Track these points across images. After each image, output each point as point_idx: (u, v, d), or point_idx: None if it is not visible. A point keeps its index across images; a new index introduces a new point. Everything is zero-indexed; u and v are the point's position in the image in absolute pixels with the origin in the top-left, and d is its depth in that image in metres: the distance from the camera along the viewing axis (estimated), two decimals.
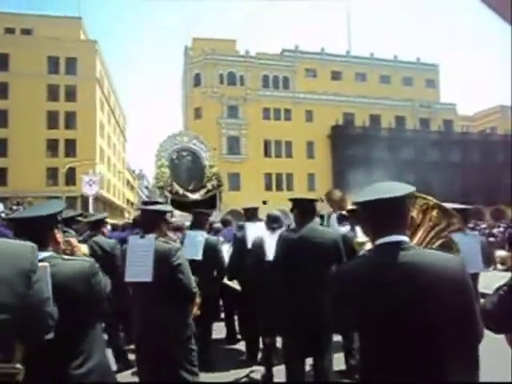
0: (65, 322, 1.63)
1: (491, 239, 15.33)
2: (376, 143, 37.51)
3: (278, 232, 4.08)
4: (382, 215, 1.59)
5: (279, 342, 4.53)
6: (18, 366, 1.23)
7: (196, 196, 9.81)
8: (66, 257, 1.92)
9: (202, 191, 9.98)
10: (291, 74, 40.78)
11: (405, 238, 1.58)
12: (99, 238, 4.56)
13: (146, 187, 78.85)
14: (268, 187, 37.97)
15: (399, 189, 1.61)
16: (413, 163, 36.56)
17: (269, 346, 4.41)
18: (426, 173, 36.00)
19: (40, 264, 1.62)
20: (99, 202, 37.12)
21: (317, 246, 3.39)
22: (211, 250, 4.53)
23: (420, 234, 1.87)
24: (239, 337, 5.86)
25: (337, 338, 4.28)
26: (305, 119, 39.95)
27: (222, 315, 6.23)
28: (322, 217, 6.09)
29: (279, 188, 38.16)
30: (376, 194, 1.60)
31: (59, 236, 1.94)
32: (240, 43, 41.83)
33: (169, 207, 3.59)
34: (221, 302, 5.95)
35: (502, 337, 2.02)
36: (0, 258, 1.23)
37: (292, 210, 3.71)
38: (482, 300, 2.07)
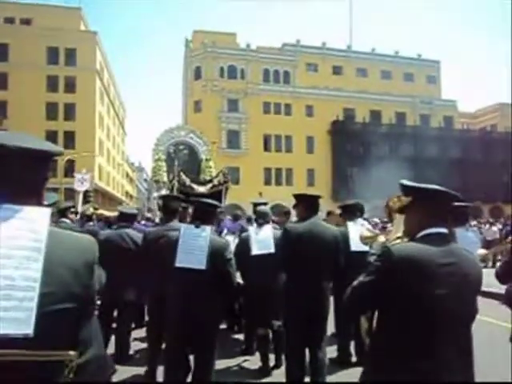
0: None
1: (489, 238, 15.41)
2: (376, 139, 37.44)
3: (266, 227, 4.34)
4: (440, 206, 1.72)
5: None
6: (72, 352, 1.22)
7: (202, 189, 9.81)
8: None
9: (209, 185, 9.97)
10: (292, 68, 40.59)
11: (444, 230, 1.70)
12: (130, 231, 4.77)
13: (145, 180, 78.78)
14: (267, 182, 37.93)
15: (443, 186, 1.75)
16: (412, 159, 36.48)
17: (262, 338, 4.54)
18: (425, 169, 35.95)
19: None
20: (98, 193, 37.09)
21: (319, 240, 3.54)
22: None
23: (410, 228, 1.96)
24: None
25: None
26: (305, 114, 39.82)
27: None
28: None
29: (278, 183, 38.13)
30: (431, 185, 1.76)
31: None
32: (241, 36, 41.61)
33: (218, 203, 3.77)
34: None
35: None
36: (70, 250, 1.27)
37: (296, 206, 3.85)
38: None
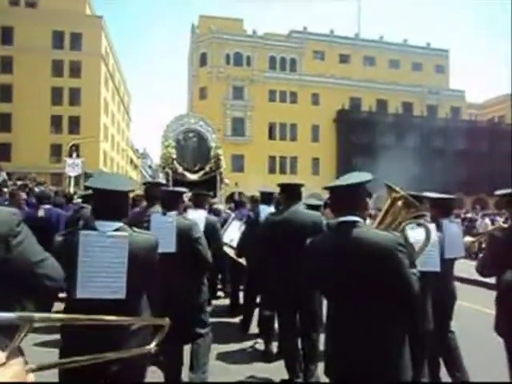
0: (132, 285, 1.99)
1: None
2: (382, 129, 37.18)
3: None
4: (341, 199, 2.12)
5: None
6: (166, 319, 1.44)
7: (194, 177, 9.88)
8: (136, 229, 2.18)
9: (201, 173, 10.06)
10: (298, 55, 40.18)
11: (357, 218, 2.04)
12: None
13: (150, 166, 78.84)
14: (272, 170, 37.88)
15: (355, 178, 2.09)
16: (418, 150, 36.26)
17: (266, 319, 4.70)
18: (430, 160, 35.77)
19: (120, 233, 2.02)
20: None
21: (298, 227, 3.57)
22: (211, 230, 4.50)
23: (389, 218, 2.32)
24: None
25: None
26: (311, 102, 39.54)
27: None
28: None
29: (283, 171, 38.06)
30: (339, 182, 2.13)
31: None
32: (247, 22, 41.11)
33: (184, 189, 3.97)
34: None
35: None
36: None
37: (280, 194, 4.02)
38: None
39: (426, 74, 43.44)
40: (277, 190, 4.21)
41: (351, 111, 39.86)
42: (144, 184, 4.62)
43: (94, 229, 2.04)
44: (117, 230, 2.05)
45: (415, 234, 2.67)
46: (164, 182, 5.85)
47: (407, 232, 2.59)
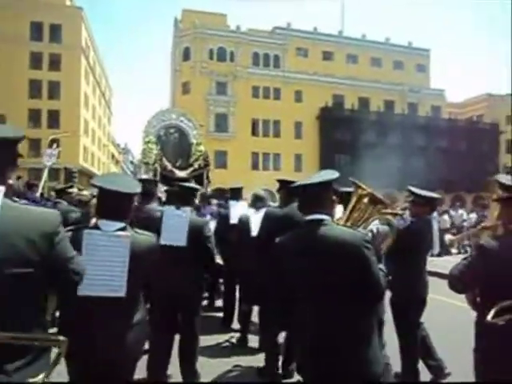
0: (132, 284, 2.10)
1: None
2: (364, 126, 37.56)
3: (263, 210, 4.34)
4: (308, 197, 2.13)
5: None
6: (62, 338, 1.43)
7: (183, 174, 9.86)
8: (137, 230, 2.26)
9: (189, 169, 10.05)
10: (282, 52, 40.18)
11: (324, 216, 2.06)
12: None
13: (131, 162, 77.84)
14: (255, 166, 37.85)
15: (321, 176, 2.12)
16: (399, 147, 36.74)
17: (245, 314, 4.93)
18: (411, 157, 36.33)
19: (122, 233, 2.11)
20: (83, 175, 36.48)
21: (299, 224, 3.51)
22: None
23: (356, 214, 2.37)
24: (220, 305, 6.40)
25: None
26: (294, 99, 39.62)
27: None
28: None
29: (266, 168, 38.08)
30: (306, 180, 2.14)
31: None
32: (231, 18, 40.84)
33: (198, 186, 4.19)
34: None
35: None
36: (27, 223, 1.51)
37: (279, 190, 4.04)
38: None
39: (407, 72, 44.01)
40: (256, 186, 4.24)
41: (334, 108, 40.11)
42: (139, 181, 4.61)
43: (98, 228, 2.12)
44: (119, 229, 2.13)
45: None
46: (156, 179, 5.95)
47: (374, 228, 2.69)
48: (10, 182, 1.61)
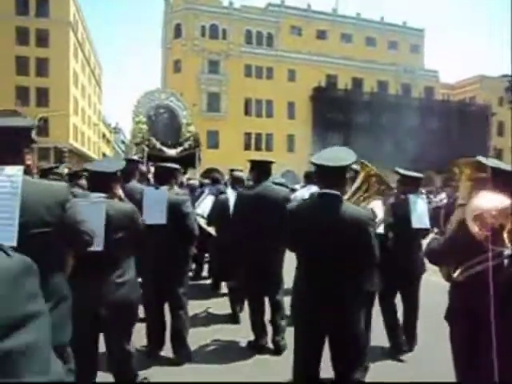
0: (113, 243, 2.55)
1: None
2: (357, 107, 37.37)
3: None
4: (327, 175, 2.42)
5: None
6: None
7: (172, 152, 9.75)
8: (116, 200, 2.79)
9: (179, 149, 9.93)
10: (275, 30, 39.48)
11: (337, 193, 2.39)
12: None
13: (123, 141, 76.96)
14: (247, 146, 37.65)
15: (344, 159, 2.41)
16: (392, 128, 36.74)
17: (232, 290, 5.17)
18: (404, 138, 36.34)
19: (99, 200, 2.61)
20: (73, 154, 36.08)
21: (269, 201, 3.90)
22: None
23: (360, 192, 2.67)
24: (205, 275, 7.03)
25: None
26: (287, 79, 39.16)
27: None
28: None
29: (258, 148, 37.90)
30: (328, 160, 2.40)
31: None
32: None
33: (177, 165, 4.22)
34: None
35: None
36: (44, 193, 1.91)
37: (251, 170, 4.24)
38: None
39: (401, 52, 43.58)
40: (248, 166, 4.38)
41: (327, 89, 39.76)
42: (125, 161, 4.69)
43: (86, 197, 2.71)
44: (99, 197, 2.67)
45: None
46: (137, 158, 5.91)
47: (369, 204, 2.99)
48: (28, 162, 1.96)
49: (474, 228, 1.86)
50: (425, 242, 2.92)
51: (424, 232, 3.95)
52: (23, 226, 1.73)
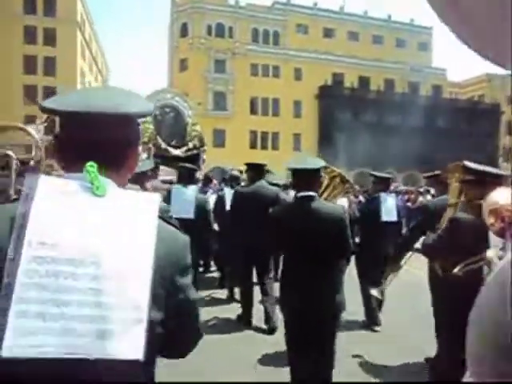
0: None
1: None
2: (364, 105, 37.16)
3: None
4: (302, 178, 2.72)
5: None
6: None
7: (177, 152, 9.80)
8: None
9: (184, 148, 9.98)
10: (282, 28, 39.37)
11: (313, 194, 2.70)
12: None
13: None
14: (253, 145, 37.62)
15: (314, 164, 2.72)
16: (399, 127, 36.47)
17: (226, 274, 5.99)
18: (410, 137, 36.07)
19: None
20: None
21: (263, 199, 4.49)
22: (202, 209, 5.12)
23: (328, 191, 3.13)
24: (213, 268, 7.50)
25: None
26: (293, 77, 39.05)
27: None
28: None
29: (264, 146, 37.85)
30: (301, 165, 2.73)
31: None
32: None
33: (194, 166, 4.92)
34: None
35: None
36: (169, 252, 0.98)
37: (247, 171, 4.92)
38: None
39: (409, 51, 43.24)
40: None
41: (333, 87, 39.56)
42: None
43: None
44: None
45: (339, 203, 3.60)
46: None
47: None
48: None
49: (490, 220, 2.04)
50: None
51: (395, 226, 4.69)
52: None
